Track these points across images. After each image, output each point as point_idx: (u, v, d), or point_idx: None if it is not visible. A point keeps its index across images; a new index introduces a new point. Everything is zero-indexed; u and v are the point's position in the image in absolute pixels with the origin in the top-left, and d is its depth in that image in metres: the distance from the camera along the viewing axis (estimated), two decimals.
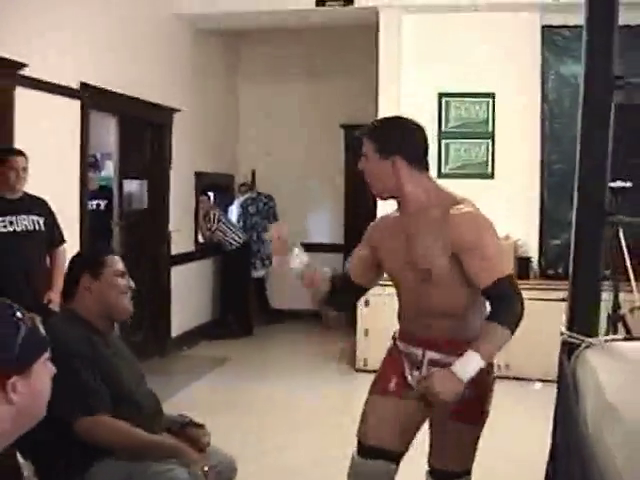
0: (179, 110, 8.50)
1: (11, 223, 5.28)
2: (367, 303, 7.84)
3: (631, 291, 6.38)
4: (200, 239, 9.63)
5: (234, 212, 10.29)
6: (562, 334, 2.93)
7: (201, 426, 3.35)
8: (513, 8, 7.85)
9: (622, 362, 2.59)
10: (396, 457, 3.30)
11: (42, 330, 1.94)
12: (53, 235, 5.59)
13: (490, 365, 3.16)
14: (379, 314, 7.69)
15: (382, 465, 3.27)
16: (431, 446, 3.30)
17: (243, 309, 9.89)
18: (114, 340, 3.36)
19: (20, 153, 5.35)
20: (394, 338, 3.39)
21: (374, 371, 3.50)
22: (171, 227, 8.47)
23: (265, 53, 10.80)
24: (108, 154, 8.18)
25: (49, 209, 5.57)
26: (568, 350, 2.88)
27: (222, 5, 8.42)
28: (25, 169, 5.35)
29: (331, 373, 8.09)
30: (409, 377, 3.27)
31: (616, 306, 6.08)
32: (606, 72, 2.90)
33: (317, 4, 8.11)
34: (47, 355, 1.93)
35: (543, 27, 8.09)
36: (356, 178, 10.15)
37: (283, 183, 10.70)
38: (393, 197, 3.20)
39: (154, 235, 8.19)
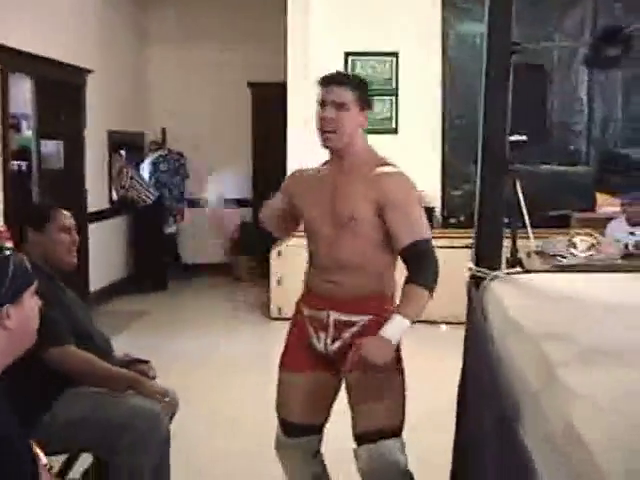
0: (92, 71, 8.65)
1: None
2: (279, 253, 8.21)
3: (527, 237, 6.90)
4: (114, 196, 9.78)
5: (145, 170, 10.44)
6: (470, 269, 3.36)
7: (147, 362, 3.67)
8: None
9: (519, 288, 3.10)
10: (318, 429, 3.36)
11: (28, 265, 2.27)
12: None
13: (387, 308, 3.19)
14: (291, 263, 8.03)
15: (306, 441, 3.33)
16: (351, 416, 3.24)
17: (157, 264, 10.13)
18: (62, 285, 3.63)
19: None
20: (297, 304, 3.39)
21: (289, 319, 3.53)
22: (87, 185, 8.65)
23: (175, 16, 10.97)
24: (24, 115, 8.28)
25: None
26: (476, 283, 3.31)
27: None
28: None
29: (247, 322, 8.43)
30: (315, 341, 3.27)
31: (514, 250, 6.56)
32: (505, 38, 3.31)
33: None
34: (34, 287, 2.26)
35: None
36: (262, 135, 10.59)
37: (193, 141, 10.89)
38: (338, 147, 3.18)
39: (71, 194, 8.35)
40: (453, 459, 3.54)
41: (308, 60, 8.52)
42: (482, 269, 3.28)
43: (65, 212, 3.62)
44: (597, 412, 1.70)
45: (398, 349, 3.13)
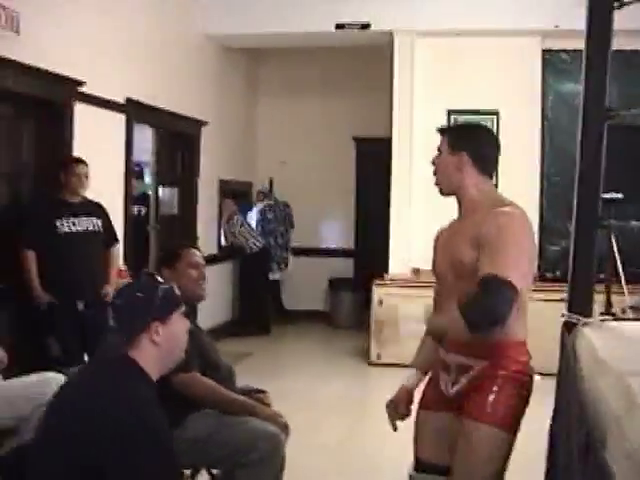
0: (207, 123, 9.20)
1: (74, 224, 5.94)
2: (380, 302, 8.53)
3: (622, 293, 7.10)
4: (223, 242, 10.27)
5: (253, 218, 10.96)
6: (563, 316, 3.64)
7: (264, 391, 4.05)
8: (516, 34, 8.59)
9: (609, 333, 3.33)
10: (444, 470, 3.22)
11: (177, 292, 2.68)
12: (109, 236, 6.25)
13: (520, 376, 3.16)
14: (391, 312, 8.39)
15: (432, 477, 3.26)
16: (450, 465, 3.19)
17: (261, 309, 10.56)
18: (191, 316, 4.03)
19: (82, 161, 6.02)
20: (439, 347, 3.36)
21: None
22: (199, 231, 9.15)
23: (283, 70, 11.55)
24: (145, 163, 8.84)
25: (105, 212, 6.23)
26: (568, 329, 3.58)
27: (248, 26, 9.12)
28: (87, 176, 6.02)
29: (346, 367, 8.71)
30: (442, 384, 3.26)
31: (608, 305, 6.75)
32: (600, 105, 3.62)
33: (337, 28, 8.81)
34: (182, 310, 2.66)
35: (544, 51, 8.86)
36: (366, 187, 10.99)
37: (299, 191, 11.40)
38: (453, 194, 3.27)
39: (184, 238, 8.85)
40: None
41: (413, 117, 8.92)
42: (575, 315, 3.55)
43: (194, 250, 4.03)
44: None
45: (520, 406, 3.12)
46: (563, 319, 3.67)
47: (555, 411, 3.70)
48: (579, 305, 3.68)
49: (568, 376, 3.33)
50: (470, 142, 3.25)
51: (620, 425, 2.27)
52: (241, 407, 3.68)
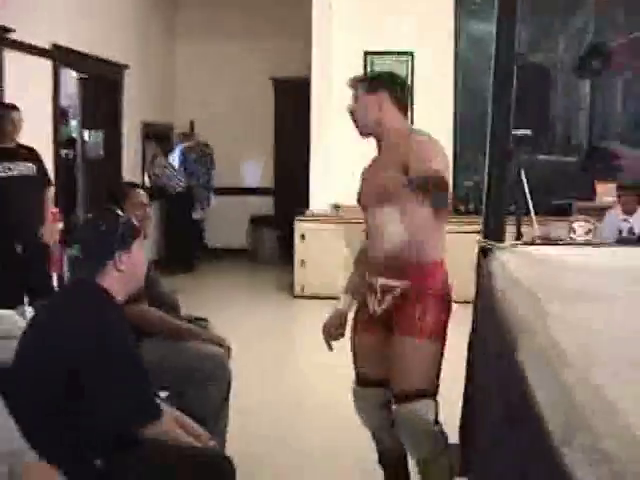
0: (128, 66, 9.35)
1: (10, 169, 6.12)
2: (303, 237, 8.89)
3: (530, 224, 7.58)
4: (147, 183, 10.45)
5: (175, 159, 11.16)
6: (479, 241, 4.04)
7: (205, 319, 4.39)
8: None
9: (521, 256, 3.75)
10: (384, 384, 3.53)
11: (136, 222, 2.99)
12: (43, 179, 6.45)
13: (441, 292, 3.49)
14: (313, 247, 8.77)
15: (373, 391, 3.61)
16: (390, 373, 3.50)
17: (185, 247, 10.84)
18: None
19: (16, 108, 6.18)
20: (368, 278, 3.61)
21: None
22: (124, 173, 9.35)
23: (202, 14, 11.70)
24: (69, 107, 8.98)
25: (39, 157, 6.42)
26: (484, 253, 3.99)
27: None
28: (20, 121, 6.19)
29: (272, 300, 9.07)
30: (370, 306, 3.54)
31: (519, 235, 7.22)
32: (509, 49, 3.99)
33: None
34: (141, 238, 2.98)
35: None
36: (285, 127, 11.29)
37: (219, 132, 11.62)
38: (371, 134, 3.50)
39: (110, 180, 9.04)
40: (462, 408, 4.20)
41: (331, 58, 9.22)
42: (490, 241, 3.96)
43: (139, 190, 4.32)
44: (569, 328, 2.38)
45: (442, 314, 3.45)
46: (479, 245, 4.08)
47: (473, 328, 4.12)
48: (493, 233, 4.09)
49: (484, 295, 3.74)
50: (387, 83, 3.50)
51: (531, 329, 2.68)
52: (188, 333, 4.01)
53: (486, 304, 3.65)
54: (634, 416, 1.68)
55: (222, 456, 2.97)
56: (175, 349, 3.91)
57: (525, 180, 7.41)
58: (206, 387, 3.81)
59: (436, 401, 3.45)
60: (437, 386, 3.48)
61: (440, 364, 3.48)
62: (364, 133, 3.52)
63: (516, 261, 3.60)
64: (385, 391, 3.57)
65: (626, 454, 1.59)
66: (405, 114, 3.54)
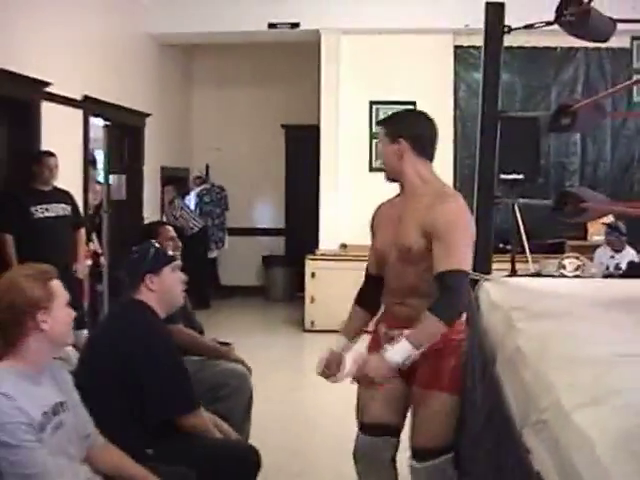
0: (150, 114, 9.99)
1: (47, 210, 6.72)
2: (313, 275, 9.49)
3: (526, 261, 8.17)
4: None
5: (192, 201, 11.79)
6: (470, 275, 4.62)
7: (229, 343, 4.96)
8: (431, 32, 9.62)
9: (505, 285, 4.31)
10: (395, 431, 3.54)
11: (168, 252, 3.58)
12: (77, 219, 7.06)
13: (461, 343, 3.61)
14: (323, 284, 9.36)
15: (383, 440, 3.52)
16: (411, 426, 3.51)
17: (201, 285, 11.39)
18: None
19: (52, 154, 6.80)
20: (376, 323, 3.68)
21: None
22: (145, 214, 9.96)
23: (217, 63, 12.40)
24: (96, 153, 9.60)
25: (73, 199, 7.04)
26: (472, 285, 4.57)
27: (185, 25, 9.94)
28: (56, 167, 6.80)
29: (284, 334, 9.65)
30: None
31: (513, 270, 7.76)
32: (493, 107, 4.59)
33: (269, 27, 9.68)
34: (175, 264, 3.56)
35: (455, 47, 9.92)
36: (296, 171, 11.93)
37: (233, 176, 12.28)
38: (395, 180, 3.50)
39: (132, 221, 9.64)
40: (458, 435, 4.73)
41: (338, 107, 9.87)
42: (477, 274, 4.53)
43: (168, 226, 4.96)
44: (536, 339, 2.94)
45: (458, 369, 3.48)
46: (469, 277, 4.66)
47: (465, 352, 4.68)
48: (481, 266, 4.67)
49: (472, 321, 4.31)
50: (406, 128, 3.44)
51: (503, 343, 3.25)
52: (216, 352, 4.60)
53: (473, 327, 4.23)
54: (566, 395, 2.23)
55: (250, 446, 3.55)
56: (205, 366, 4.49)
57: (520, 220, 8.03)
58: (231, 400, 4.37)
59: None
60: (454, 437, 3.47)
61: (458, 415, 3.48)
62: (389, 179, 3.54)
63: (498, 289, 4.16)
64: (395, 440, 3.56)
65: (559, 423, 2.16)
66: (430, 160, 3.51)
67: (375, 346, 3.54)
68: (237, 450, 3.48)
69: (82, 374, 3.19)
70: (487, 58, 4.55)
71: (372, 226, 3.70)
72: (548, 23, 4.05)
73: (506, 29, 4.49)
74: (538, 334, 3.00)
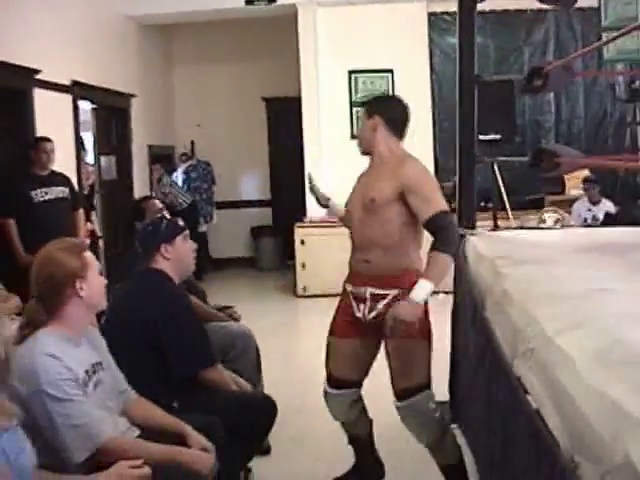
0: (135, 95, 10.22)
1: (46, 193, 6.98)
2: (302, 242, 9.78)
3: (508, 218, 8.48)
4: None
5: (179, 178, 12.06)
6: None
7: (232, 306, 5.27)
8: (405, 0, 9.87)
9: (489, 238, 4.65)
10: (358, 384, 3.97)
11: (180, 222, 3.87)
12: (75, 201, 7.31)
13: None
14: (312, 250, 9.64)
15: (348, 392, 3.95)
16: (390, 375, 3.78)
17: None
18: None
19: (49, 140, 7.05)
20: (344, 283, 3.93)
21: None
22: (135, 193, 10.22)
23: (196, 41, 12.59)
24: (85, 135, 9.83)
25: (70, 182, 7.30)
26: (459, 239, 4.88)
27: (163, 6, 10.14)
28: (53, 151, 7.05)
29: (277, 301, 9.97)
30: (357, 313, 3.79)
31: (495, 226, 8.07)
32: (470, 71, 4.89)
33: (246, 3, 9.91)
34: (186, 234, 3.85)
35: (429, 14, 10.20)
36: (278, 142, 12.20)
37: (217, 151, 12.58)
38: (368, 152, 3.84)
39: (124, 200, 9.89)
40: (450, 371, 5.05)
41: (318, 78, 10.12)
42: (464, 229, 4.85)
43: (153, 200, 5.33)
44: (521, 281, 3.26)
45: (427, 317, 3.66)
46: None
47: (454, 301, 5.01)
48: (466, 222, 4.99)
49: (460, 273, 4.63)
50: (381, 107, 3.85)
51: (491, 289, 3.57)
52: (220, 316, 4.91)
53: (461, 279, 4.56)
54: (548, 324, 2.55)
55: (266, 396, 3.88)
56: (211, 329, 4.78)
57: (500, 178, 8.32)
58: (240, 360, 4.67)
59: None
60: (430, 376, 3.79)
61: (431, 356, 3.77)
62: (363, 152, 3.89)
63: (483, 242, 4.49)
64: (357, 390, 3.99)
65: (544, 348, 2.48)
66: (400, 138, 3.84)
67: (344, 305, 3.90)
68: (255, 399, 3.81)
69: (107, 340, 3.48)
70: (462, 27, 4.85)
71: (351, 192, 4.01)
72: None
73: None
74: (522, 277, 3.33)
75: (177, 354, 3.55)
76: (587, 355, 2.14)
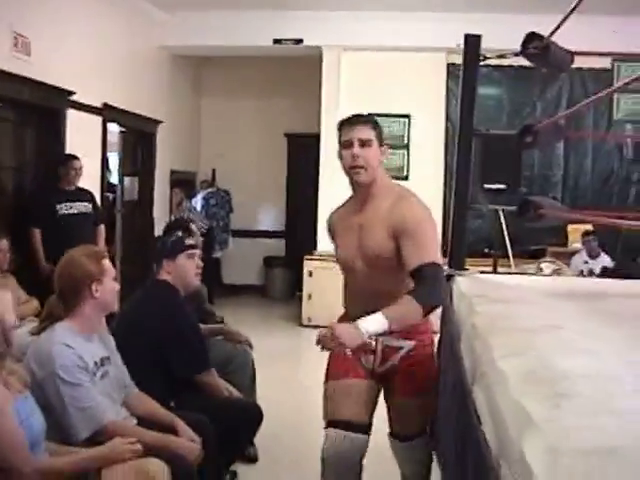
0: (162, 122, 10.68)
1: (70, 207, 7.41)
2: (310, 274, 10.16)
3: (509, 265, 8.81)
4: None
5: (198, 203, 12.45)
6: (446, 271, 5.29)
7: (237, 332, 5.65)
8: (426, 50, 10.30)
9: (475, 280, 4.99)
10: (366, 428, 3.56)
11: (187, 242, 4.26)
12: (97, 217, 7.75)
13: (431, 337, 3.87)
14: (319, 282, 10.00)
15: (356, 438, 3.48)
16: (389, 416, 3.79)
17: (205, 283, 12.00)
18: None
19: (77, 158, 7.49)
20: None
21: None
22: (155, 214, 10.64)
23: (225, 74, 13.10)
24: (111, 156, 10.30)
25: (94, 198, 7.74)
26: (448, 279, 5.24)
27: (196, 39, 10.63)
28: (81, 169, 7.50)
29: (282, 328, 10.37)
30: (365, 363, 3.66)
31: (494, 271, 8.36)
32: (468, 126, 5.26)
33: (274, 42, 10.38)
34: (191, 252, 4.23)
35: (448, 64, 10.61)
36: (297, 177, 12.62)
37: (237, 180, 13.00)
38: (363, 183, 3.48)
39: (143, 220, 10.34)
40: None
41: (337, 117, 10.48)
42: (452, 270, 5.20)
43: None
44: (491, 320, 3.61)
45: (436, 367, 3.82)
46: (446, 273, 5.32)
47: (440, 334, 5.34)
48: (456, 263, 5.35)
49: (447, 309, 4.99)
50: (382, 138, 3.56)
51: (464, 323, 3.92)
52: (227, 333, 5.29)
53: (448, 319, 4.91)
54: (497, 351, 2.90)
55: (254, 403, 4.26)
56: (210, 345, 5.16)
57: (505, 226, 8.65)
58: (238, 373, 5.04)
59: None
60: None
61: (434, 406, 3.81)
62: (365, 182, 3.50)
63: (467, 282, 4.84)
64: (366, 439, 3.54)
65: (490, 372, 2.83)
66: None
67: (343, 355, 3.61)
68: (244, 405, 4.20)
69: (116, 341, 3.87)
70: (465, 83, 5.21)
71: (332, 236, 3.82)
72: (516, 54, 4.72)
73: (481, 58, 5.17)
74: (490, 314, 3.67)
75: (177, 357, 3.94)
76: (518, 376, 2.50)
